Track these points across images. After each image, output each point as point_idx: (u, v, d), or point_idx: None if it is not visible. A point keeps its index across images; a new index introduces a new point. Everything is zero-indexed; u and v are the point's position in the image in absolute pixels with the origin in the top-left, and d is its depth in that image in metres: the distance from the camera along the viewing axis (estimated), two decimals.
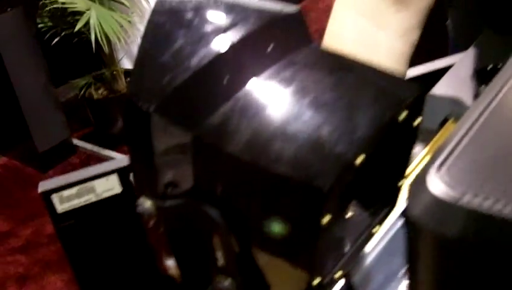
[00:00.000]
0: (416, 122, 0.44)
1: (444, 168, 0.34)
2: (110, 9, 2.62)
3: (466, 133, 0.36)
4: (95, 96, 2.77)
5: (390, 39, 0.67)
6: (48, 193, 0.79)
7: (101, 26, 2.43)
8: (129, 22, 2.63)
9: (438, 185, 0.33)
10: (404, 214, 0.34)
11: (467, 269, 0.33)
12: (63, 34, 2.62)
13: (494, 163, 0.34)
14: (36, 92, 2.64)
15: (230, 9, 0.46)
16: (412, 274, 0.36)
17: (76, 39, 2.64)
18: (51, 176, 2.67)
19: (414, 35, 0.69)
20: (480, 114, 0.37)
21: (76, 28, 2.44)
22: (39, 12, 2.59)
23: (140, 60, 0.42)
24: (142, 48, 0.43)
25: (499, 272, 0.31)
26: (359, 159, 0.38)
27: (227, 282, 0.44)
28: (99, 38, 2.47)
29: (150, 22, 0.46)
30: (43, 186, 0.78)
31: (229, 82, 0.41)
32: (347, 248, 0.46)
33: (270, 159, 0.37)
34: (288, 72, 0.43)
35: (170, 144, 0.41)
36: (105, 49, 2.60)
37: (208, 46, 0.42)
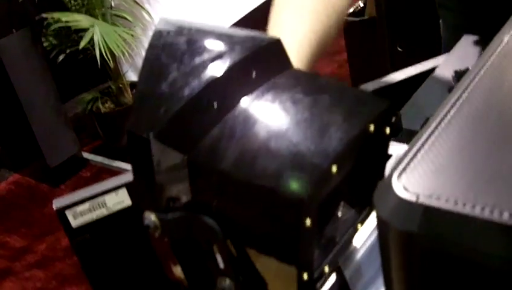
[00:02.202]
0: (387, 131, 0.50)
1: (406, 172, 0.39)
2: (113, 24, 2.69)
3: (426, 140, 0.42)
4: (103, 110, 2.84)
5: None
6: (62, 209, 0.85)
7: (105, 41, 2.50)
8: (132, 35, 2.69)
9: (400, 187, 0.38)
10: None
11: (429, 263, 0.38)
12: (68, 51, 2.69)
13: (448, 167, 0.39)
14: (45, 109, 2.71)
15: (218, 40, 0.52)
16: (386, 272, 0.41)
17: (81, 55, 2.71)
18: (63, 191, 2.73)
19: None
20: (440, 121, 0.42)
21: (81, 45, 2.51)
22: (44, 32, 2.66)
23: (139, 93, 0.48)
24: (140, 83, 0.49)
25: (453, 263, 0.37)
26: (334, 168, 0.44)
27: (227, 283, 0.50)
28: (104, 54, 2.53)
29: (146, 57, 0.52)
30: (58, 203, 0.84)
31: (218, 107, 0.47)
32: (333, 245, 0.52)
33: (256, 174, 0.43)
34: (270, 95, 0.49)
35: (168, 165, 0.46)
36: (110, 63, 2.67)
37: (199, 77, 0.48)
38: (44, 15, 2.59)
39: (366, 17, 2.62)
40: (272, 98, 0.49)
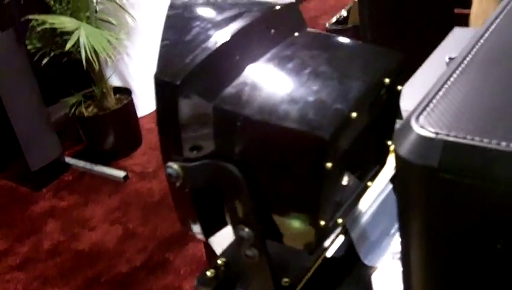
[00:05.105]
0: (399, 87, 0.53)
1: (425, 113, 0.42)
2: (98, 27, 2.69)
3: (444, 84, 0.44)
4: (86, 114, 2.82)
5: None
6: None
7: (90, 44, 2.50)
8: (116, 39, 2.70)
9: (419, 126, 0.40)
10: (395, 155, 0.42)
11: (449, 196, 0.40)
12: (52, 54, 2.68)
13: (464, 107, 0.42)
14: (28, 112, 2.69)
15: (235, 2, 0.54)
16: (403, 211, 0.43)
17: (65, 58, 2.70)
18: (45, 194, 2.71)
19: None
20: (454, 70, 0.45)
21: (67, 47, 2.50)
22: (28, 35, 2.65)
23: (164, 46, 0.50)
24: (164, 37, 0.51)
25: (471, 193, 0.39)
26: (354, 114, 0.46)
27: (246, 231, 0.51)
28: (89, 56, 2.53)
29: (168, 15, 0.54)
30: None
31: (240, 60, 0.49)
32: (346, 199, 0.54)
33: (280, 117, 0.45)
34: (288, 51, 0.51)
35: (194, 112, 0.48)
36: (95, 66, 2.67)
37: (221, 30, 0.50)
38: (29, 17, 2.59)
39: (349, 25, 2.68)
40: (291, 53, 0.51)
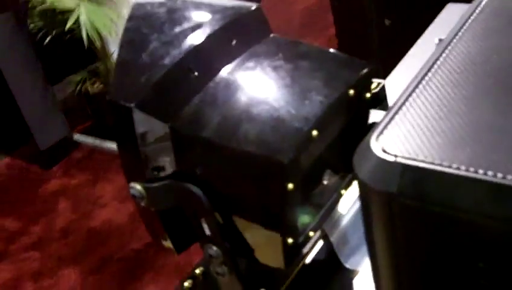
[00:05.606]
0: (368, 96, 0.51)
1: (385, 132, 0.40)
2: (98, 4, 2.66)
3: (404, 103, 0.42)
4: (91, 91, 2.82)
5: None
6: None
7: (91, 21, 2.47)
8: (118, 16, 2.67)
9: (379, 147, 0.39)
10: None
11: (410, 221, 0.39)
12: (54, 33, 2.66)
13: (426, 126, 0.40)
14: (33, 92, 2.69)
15: (197, 9, 0.52)
16: (368, 233, 0.42)
17: (68, 36, 2.68)
18: (55, 172, 2.74)
19: None
20: (417, 84, 0.43)
21: (67, 26, 2.48)
22: (29, 14, 2.63)
23: (119, 63, 0.49)
24: (120, 53, 0.49)
25: (432, 219, 0.38)
26: (315, 132, 0.44)
27: (214, 250, 0.50)
28: (90, 34, 2.51)
29: (126, 28, 0.52)
30: None
31: (199, 76, 0.48)
32: (318, 210, 0.53)
33: (238, 140, 0.44)
34: (251, 62, 0.49)
35: (151, 134, 0.47)
36: (97, 43, 2.65)
37: (179, 46, 0.48)
38: None
39: None
40: (253, 65, 0.49)
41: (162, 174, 0.49)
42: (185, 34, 0.49)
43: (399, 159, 0.39)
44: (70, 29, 2.62)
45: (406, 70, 0.87)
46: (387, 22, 2.28)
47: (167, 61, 0.47)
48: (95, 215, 2.42)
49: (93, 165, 2.78)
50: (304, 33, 2.87)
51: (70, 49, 2.85)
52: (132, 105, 0.45)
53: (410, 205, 0.38)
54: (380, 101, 0.60)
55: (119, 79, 0.48)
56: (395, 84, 0.75)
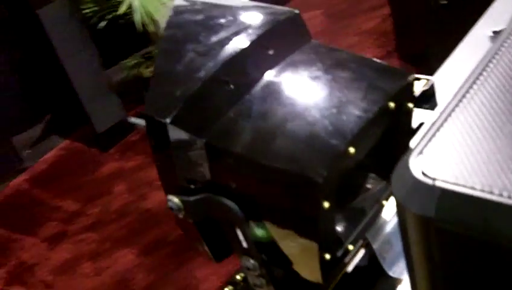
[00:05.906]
0: (410, 106, 0.48)
1: (425, 151, 0.38)
2: None
3: (446, 119, 0.40)
4: (145, 75, 2.85)
5: None
6: None
7: (143, 6, 2.49)
8: None
9: (417, 168, 0.37)
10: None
11: (447, 245, 0.37)
12: (108, 17, 2.69)
13: (467, 150, 0.38)
14: (89, 76, 2.75)
15: (234, 16, 0.51)
16: (406, 250, 0.40)
17: (122, 20, 2.71)
18: (113, 155, 2.79)
19: None
20: (461, 98, 0.41)
21: (120, 11, 2.51)
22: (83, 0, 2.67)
23: (155, 75, 0.48)
24: (157, 64, 0.49)
25: (471, 245, 0.36)
26: (352, 149, 0.43)
27: (251, 263, 0.50)
28: (143, 18, 2.53)
29: (163, 37, 0.51)
30: None
31: (235, 88, 0.47)
32: (357, 223, 0.51)
33: (271, 156, 0.43)
34: (288, 72, 0.48)
35: (186, 148, 0.46)
36: (150, 27, 2.66)
37: (214, 57, 0.47)
38: None
39: None
40: (290, 77, 0.48)
41: (198, 186, 0.49)
42: (221, 44, 0.48)
43: (438, 183, 0.37)
44: (124, 14, 2.65)
45: (455, 67, 0.84)
46: (443, 1, 2.21)
47: (202, 74, 0.46)
48: (150, 197, 2.46)
49: (148, 147, 2.82)
50: (354, 12, 2.79)
51: (124, 33, 2.88)
52: (167, 121, 0.45)
53: (448, 229, 0.37)
54: (427, 99, 0.58)
55: (154, 92, 0.48)
56: (443, 81, 0.72)
